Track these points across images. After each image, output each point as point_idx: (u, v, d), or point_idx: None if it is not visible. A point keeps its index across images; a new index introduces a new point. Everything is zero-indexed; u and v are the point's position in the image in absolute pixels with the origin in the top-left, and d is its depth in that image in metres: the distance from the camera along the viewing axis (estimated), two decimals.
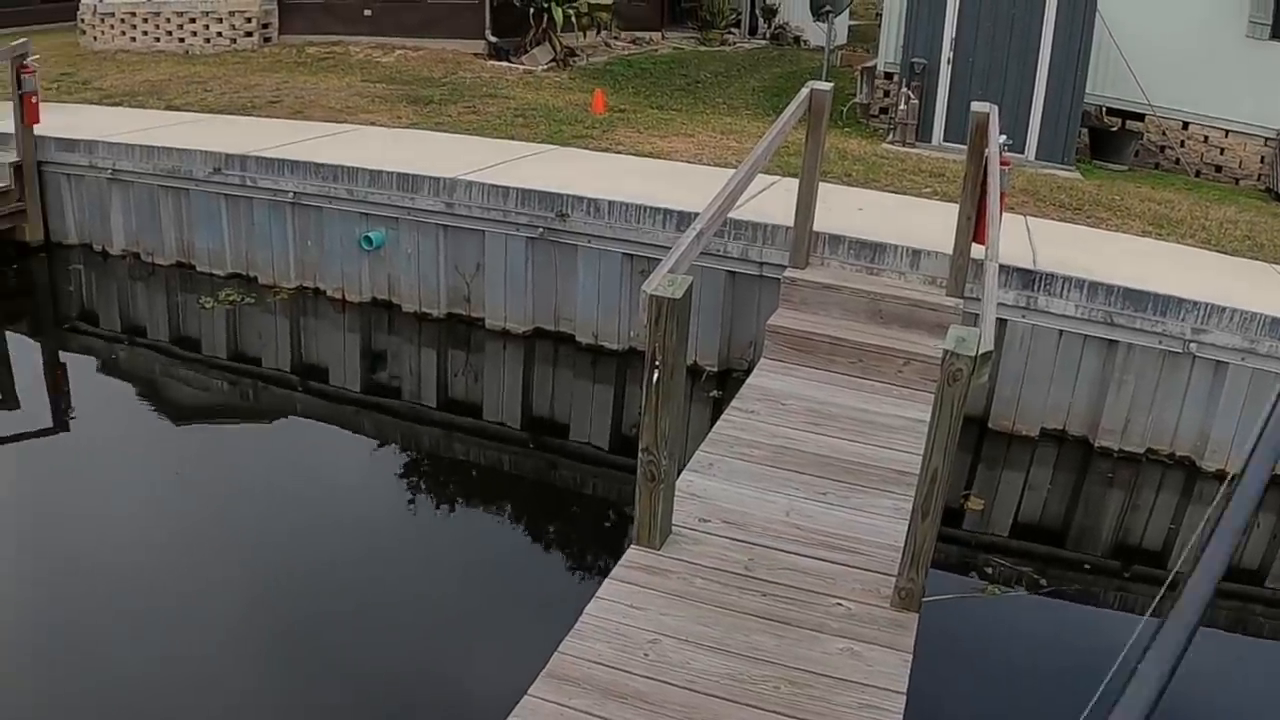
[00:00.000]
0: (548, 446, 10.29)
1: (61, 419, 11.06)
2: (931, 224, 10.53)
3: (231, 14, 22.95)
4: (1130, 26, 17.06)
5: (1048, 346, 9.80)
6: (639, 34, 25.68)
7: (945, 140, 16.76)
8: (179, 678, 6.82)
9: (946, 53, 17.06)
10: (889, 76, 18.96)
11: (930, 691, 6.07)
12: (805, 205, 9.63)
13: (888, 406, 8.46)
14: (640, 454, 6.12)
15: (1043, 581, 8.17)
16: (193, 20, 23.25)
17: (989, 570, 8.20)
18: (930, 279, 9.78)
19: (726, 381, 10.53)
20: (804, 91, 9.26)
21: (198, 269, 13.52)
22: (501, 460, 10.37)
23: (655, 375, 5.86)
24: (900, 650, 5.60)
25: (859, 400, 8.54)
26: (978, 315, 7.34)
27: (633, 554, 6.28)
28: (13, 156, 14.30)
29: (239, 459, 10.15)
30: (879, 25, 22.46)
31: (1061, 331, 9.73)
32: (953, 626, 7.34)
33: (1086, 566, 8.65)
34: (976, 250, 9.00)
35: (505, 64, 20.74)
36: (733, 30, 29.37)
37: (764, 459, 7.47)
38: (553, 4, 20.74)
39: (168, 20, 23.48)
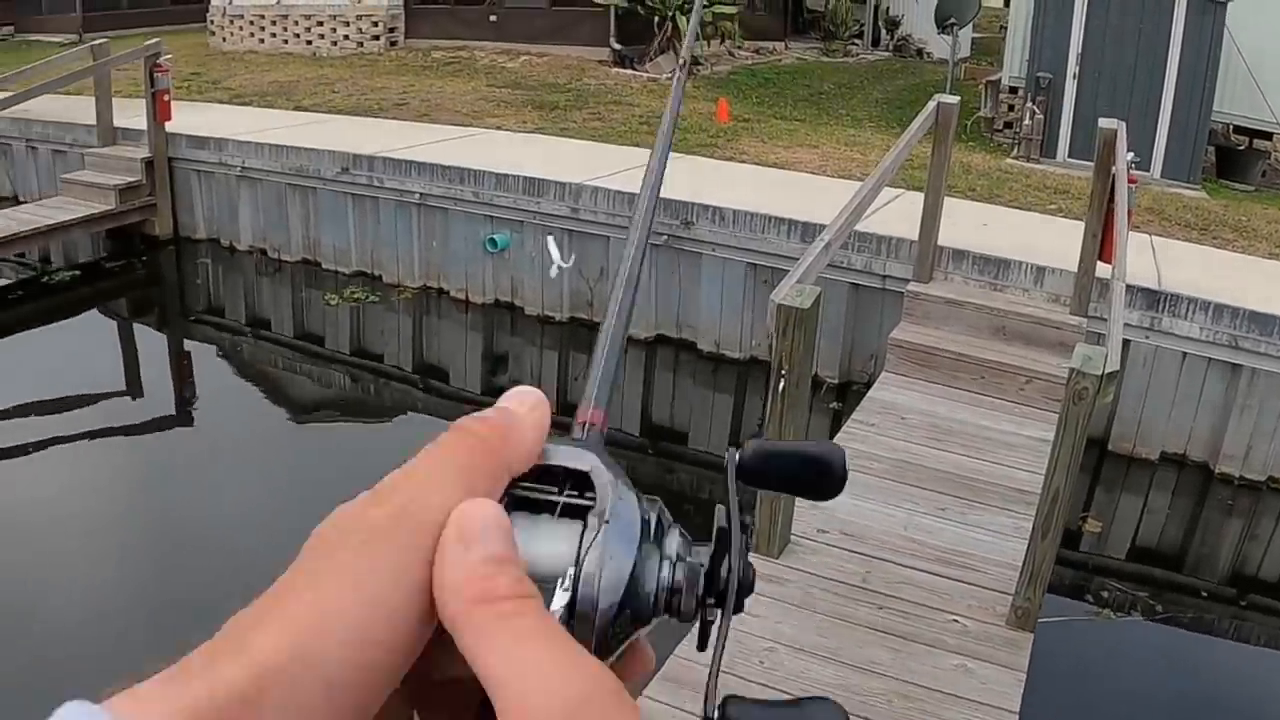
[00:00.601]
0: (666, 452, 10.34)
1: (185, 409, 11.30)
2: (1056, 241, 10.44)
3: (359, 18, 23.26)
4: (1259, 42, 16.76)
5: (1170, 369, 9.66)
6: (762, 44, 25.65)
7: (1070, 156, 16.58)
8: None
9: (1072, 67, 16.90)
10: (1013, 90, 18.75)
11: (1042, 713, 6.05)
12: (930, 219, 9.60)
13: (1008, 424, 8.42)
14: None
15: (1158, 608, 8.07)
16: (320, 23, 23.60)
17: (1104, 594, 8.12)
18: (1054, 296, 9.71)
19: (846, 394, 10.50)
20: (931, 104, 9.24)
21: (323, 266, 13.75)
22: (620, 465, 10.44)
23: (781, 384, 5.90)
24: (1014, 669, 5.60)
25: (980, 417, 8.52)
26: (1101, 335, 7.29)
27: (752, 561, 6.32)
28: (145, 152, 14.67)
29: (357, 455, 10.29)
30: (1003, 38, 22.28)
31: (1185, 354, 9.58)
32: (1067, 649, 7.29)
33: (1203, 594, 8.54)
34: (1101, 269, 8.92)
35: (629, 71, 20.82)
36: (855, 41, 29.26)
37: (884, 472, 7.49)
38: (677, 12, 20.78)
39: (296, 23, 23.86)
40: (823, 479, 0.66)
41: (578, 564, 0.57)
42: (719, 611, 0.62)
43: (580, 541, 0.58)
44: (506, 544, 0.55)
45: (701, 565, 0.62)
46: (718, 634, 0.62)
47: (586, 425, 0.67)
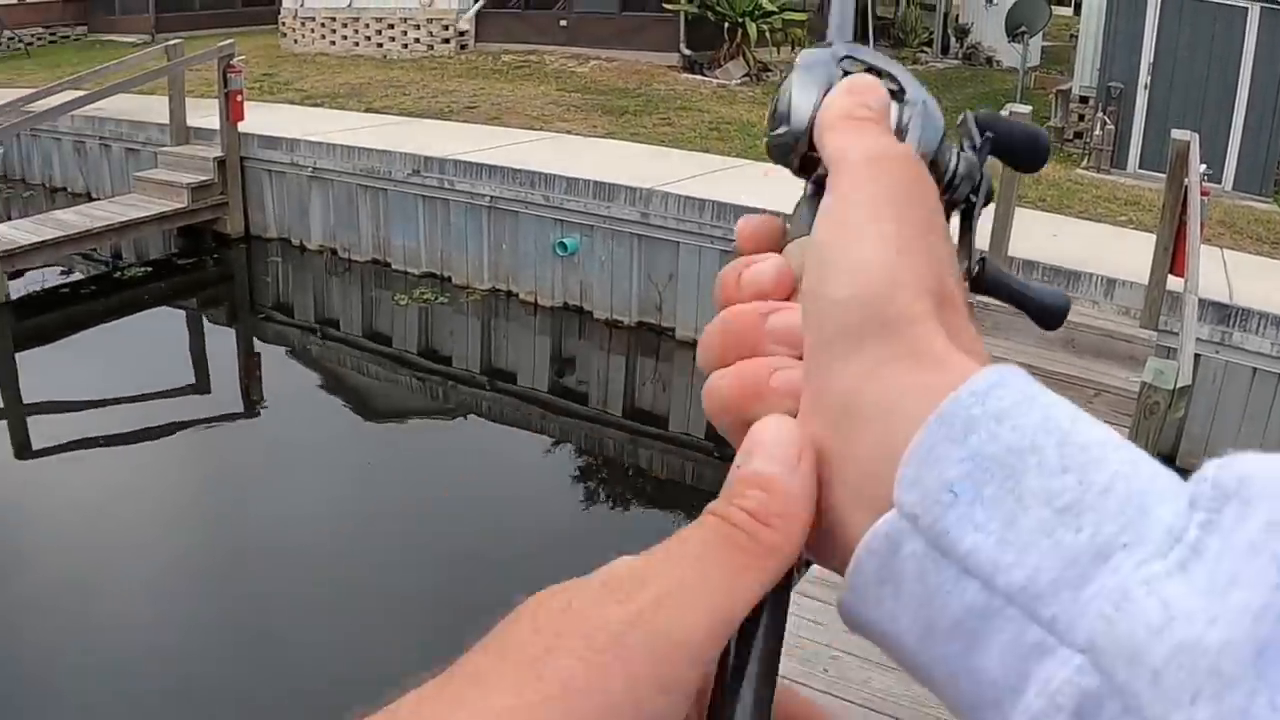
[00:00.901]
0: (733, 459, 10.29)
1: (252, 406, 11.45)
2: (1126, 253, 10.37)
3: (429, 21, 23.37)
4: None
5: (1240, 384, 9.56)
6: None
7: (1140, 167, 16.44)
8: (347, 657, 7.04)
9: (1144, 78, 16.76)
10: (1084, 100, 18.56)
11: None
12: (1001, 230, 9.55)
13: None
14: None
15: None
16: (391, 26, 23.75)
17: None
18: (1124, 309, 9.65)
19: None
20: (1003, 114, 9.19)
21: (393, 267, 13.88)
22: (685, 471, 10.42)
23: None
24: None
25: None
26: (1171, 348, 7.26)
27: (816, 570, 6.33)
28: (217, 152, 14.86)
29: (424, 455, 10.36)
30: (1073, 47, 22.12)
31: (1255, 369, 9.49)
32: None
33: None
34: (1173, 282, 8.87)
35: (699, 77, 20.82)
36: (925, 49, 29.07)
37: None
38: (747, 19, 20.76)
39: (367, 25, 24.03)
40: (1033, 152, 0.73)
41: (900, 129, 0.63)
42: (976, 202, 0.68)
43: (901, 114, 0.64)
44: (880, 99, 0.62)
45: (975, 161, 0.68)
46: (975, 217, 0.69)
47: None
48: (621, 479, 10.23)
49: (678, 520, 9.40)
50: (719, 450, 10.40)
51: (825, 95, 0.63)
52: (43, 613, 7.47)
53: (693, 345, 9.94)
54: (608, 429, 10.92)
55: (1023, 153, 0.73)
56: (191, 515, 8.95)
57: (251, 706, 6.69)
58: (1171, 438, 9.54)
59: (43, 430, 10.52)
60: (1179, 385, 5.35)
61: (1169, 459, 9.47)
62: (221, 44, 15.10)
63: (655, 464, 10.55)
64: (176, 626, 7.41)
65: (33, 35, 30.86)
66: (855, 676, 5.39)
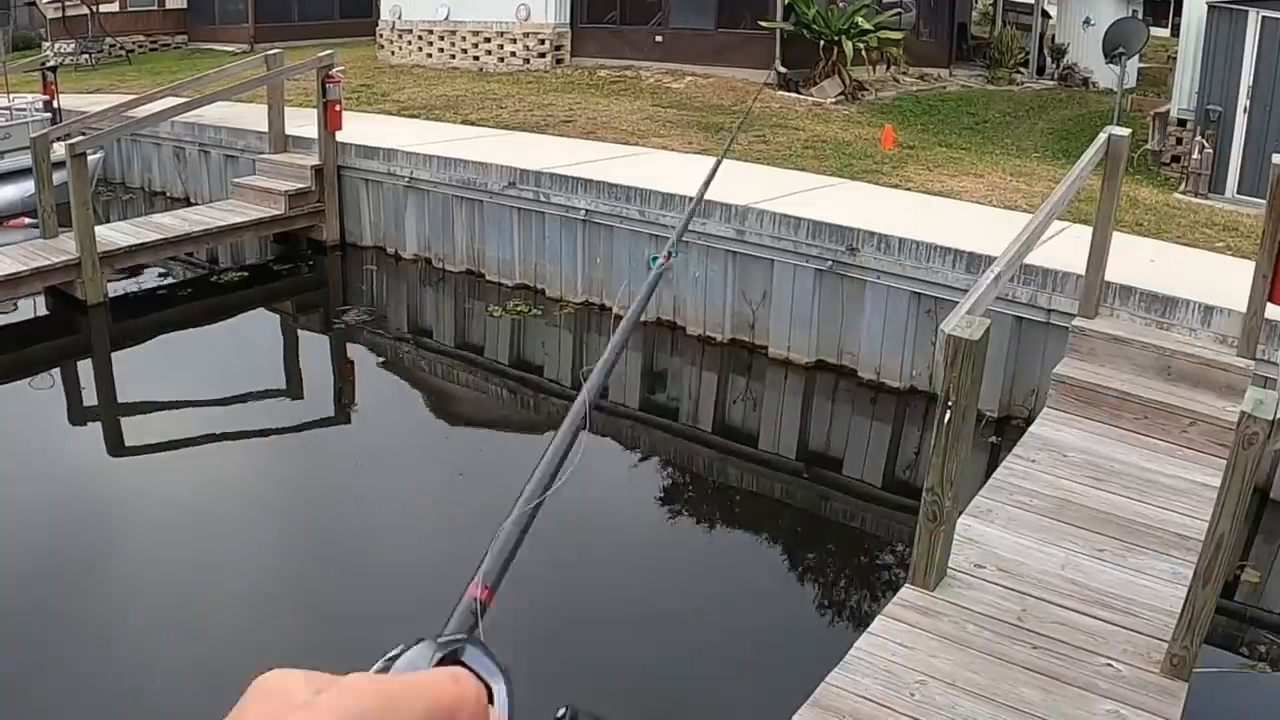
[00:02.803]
0: (821, 479, 10.27)
1: (343, 412, 11.58)
2: (1224, 280, 10.25)
3: (526, 35, 23.54)
4: None
5: None
6: (926, 70, 25.47)
7: (1239, 192, 16.24)
8: None
9: (1243, 101, 16.56)
10: (1181, 123, 18.36)
11: None
12: (1098, 254, 9.45)
13: (1171, 467, 8.26)
14: (925, 494, 6.14)
15: None
16: (488, 40, 23.97)
17: (1261, 648, 7.92)
18: (1221, 337, 9.52)
19: (1005, 428, 10.34)
20: (1102, 137, 9.11)
21: (486, 278, 14.02)
22: (774, 489, 10.39)
23: (947, 416, 5.89)
24: (1167, 719, 5.51)
25: (1142, 458, 8.37)
26: (1268, 378, 7.17)
27: (906, 593, 6.31)
28: (315, 160, 15.05)
29: (514, 468, 10.39)
30: (1170, 69, 21.91)
31: None
32: (1221, 701, 7.12)
33: None
34: (1271, 310, 8.75)
35: (794, 95, 20.80)
36: (1020, 69, 28.93)
37: (1043, 510, 7.41)
38: (843, 37, 20.73)
39: (463, 39, 24.27)
40: None
41: None
42: None
43: None
44: None
45: None
46: None
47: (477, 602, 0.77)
48: (709, 495, 10.22)
49: (764, 538, 9.42)
50: (808, 470, 10.39)
51: None
52: (130, 609, 7.58)
53: (785, 364, 9.93)
54: (697, 445, 10.90)
55: None
56: (280, 518, 9.05)
57: None
58: (1265, 470, 9.40)
59: (136, 429, 10.71)
60: (1279, 416, 5.28)
61: (1264, 492, 9.36)
62: (321, 54, 15.28)
63: (744, 481, 10.51)
64: (260, 628, 7.49)
65: (134, 43, 31.45)
66: (941, 702, 5.37)
